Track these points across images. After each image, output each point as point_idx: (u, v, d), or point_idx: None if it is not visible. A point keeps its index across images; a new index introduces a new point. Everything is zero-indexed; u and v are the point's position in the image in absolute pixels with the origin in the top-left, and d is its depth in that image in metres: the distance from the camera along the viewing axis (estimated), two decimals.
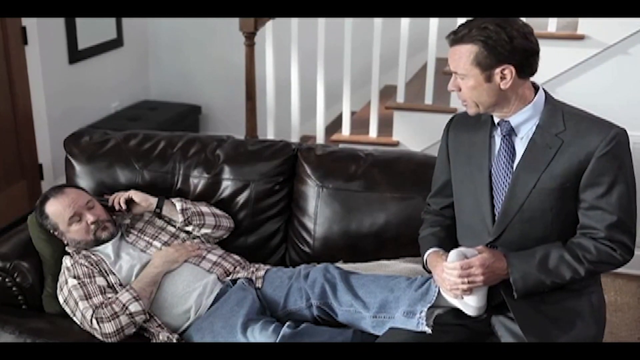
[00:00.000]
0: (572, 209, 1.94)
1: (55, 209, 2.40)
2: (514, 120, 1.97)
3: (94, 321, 2.17)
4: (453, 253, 1.96)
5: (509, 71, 1.88)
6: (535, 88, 1.99)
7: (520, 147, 1.97)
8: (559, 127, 1.92)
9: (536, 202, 1.93)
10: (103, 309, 2.19)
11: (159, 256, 2.36)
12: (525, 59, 1.90)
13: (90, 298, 2.23)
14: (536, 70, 1.94)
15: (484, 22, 1.88)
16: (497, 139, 2.02)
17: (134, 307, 2.19)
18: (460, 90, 1.96)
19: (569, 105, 2.00)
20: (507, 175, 1.97)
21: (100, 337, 2.17)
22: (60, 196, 2.43)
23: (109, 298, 2.24)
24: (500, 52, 1.87)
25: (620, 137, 1.88)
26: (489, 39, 1.86)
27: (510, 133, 1.98)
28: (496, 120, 2.02)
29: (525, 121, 1.96)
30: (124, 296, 2.22)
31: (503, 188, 1.98)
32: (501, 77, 1.89)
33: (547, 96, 1.99)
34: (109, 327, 2.16)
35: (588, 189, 1.89)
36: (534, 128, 1.95)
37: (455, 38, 1.92)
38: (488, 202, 2.00)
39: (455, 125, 2.16)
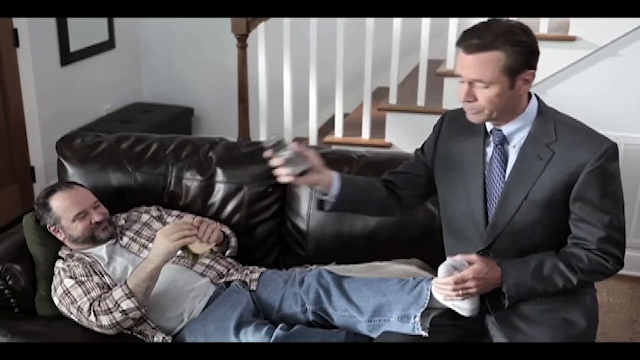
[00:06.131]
0: (563, 220, 1.92)
1: (62, 202, 2.38)
2: (506, 129, 1.93)
3: (91, 314, 2.16)
4: (442, 268, 1.92)
5: (531, 75, 1.84)
6: (529, 95, 1.94)
7: (512, 155, 1.95)
8: (551, 137, 1.89)
9: (526, 213, 1.91)
10: (100, 302, 2.17)
11: (155, 247, 2.22)
12: (537, 62, 1.86)
13: (89, 293, 2.22)
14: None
15: (506, 25, 1.81)
16: (490, 147, 1.98)
17: (126, 305, 2.15)
18: (476, 99, 1.85)
19: (561, 113, 1.97)
20: (499, 184, 1.95)
21: (98, 330, 2.16)
22: (69, 191, 2.42)
23: (105, 293, 2.21)
24: (527, 56, 1.82)
25: (611, 151, 1.85)
26: (520, 44, 1.79)
27: (503, 142, 1.95)
28: (489, 127, 1.97)
29: (517, 130, 1.93)
30: (117, 293, 2.17)
31: (496, 197, 1.96)
32: (524, 82, 1.84)
33: (540, 104, 1.96)
34: (105, 320, 2.15)
35: (578, 202, 1.88)
36: (525, 137, 1.92)
37: (481, 44, 1.78)
38: (482, 210, 1.98)
39: (448, 124, 2.10)
